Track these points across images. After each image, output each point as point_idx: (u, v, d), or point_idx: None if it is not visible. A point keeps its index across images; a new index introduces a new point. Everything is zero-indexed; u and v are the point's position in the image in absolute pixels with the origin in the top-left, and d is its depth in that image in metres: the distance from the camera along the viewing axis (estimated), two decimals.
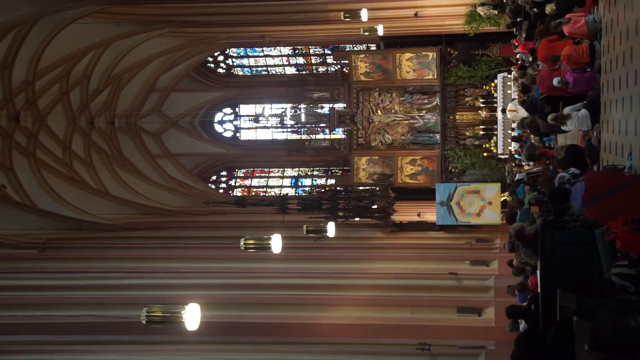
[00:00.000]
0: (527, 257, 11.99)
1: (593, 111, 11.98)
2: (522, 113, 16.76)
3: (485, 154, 28.70)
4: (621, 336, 6.55)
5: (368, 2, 24.68)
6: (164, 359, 17.57)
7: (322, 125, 32.23)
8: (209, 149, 34.31)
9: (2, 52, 23.39)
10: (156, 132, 32.88)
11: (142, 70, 30.58)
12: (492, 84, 28.41)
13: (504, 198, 23.78)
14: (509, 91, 26.29)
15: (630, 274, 7.66)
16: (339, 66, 33.29)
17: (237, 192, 34.28)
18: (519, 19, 20.93)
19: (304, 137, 33.19)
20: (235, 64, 34.86)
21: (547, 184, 11.56)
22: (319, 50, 34.00)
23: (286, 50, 33.95)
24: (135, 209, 28.73)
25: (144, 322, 9.83)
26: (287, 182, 34.56)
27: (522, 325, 11.78)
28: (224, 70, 34.83)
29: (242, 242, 13.54)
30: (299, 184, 34.41)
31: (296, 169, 34.64)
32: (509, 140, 25.82)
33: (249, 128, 35.00)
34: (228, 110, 35.07)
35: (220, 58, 34.56)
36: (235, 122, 35.13)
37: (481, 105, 29.09)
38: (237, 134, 35.09)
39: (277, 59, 34.45)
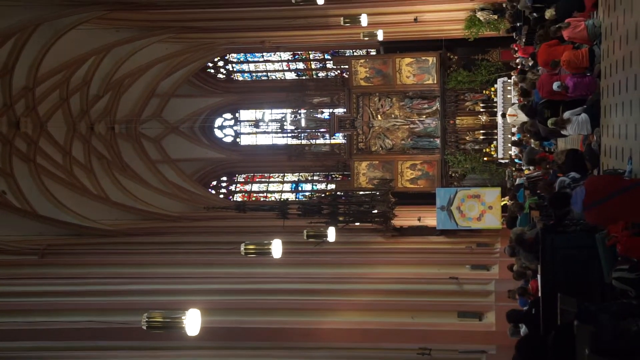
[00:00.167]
0: (528, 262, 12.00)
1: (593, 115, 11.99)
2: (522, 117, 16.78)
3: (485, 159, 28.71)
4: (622, 340, 6.56)
5: (368, 8, 24.71)
6: None
7: (322, 130, 32.24)
8: (209, 154, 34.30)
9: (2, 58, 23.43)
10: (156, 137, 32.88)
11: (142, 75, 30.60)
12: (492, 89, 28.43)
13: (504, 202, 23.79)
14: (509, 96, 26.32)
15: (631, 278, 7.67)
16: (338, 71, 33.31)
17: (238, 198, 34.27)
18: (518, 24, 20.98)
19: (304, 142, 33.18)
20: (235, 69, 34.88)
21: (548, 188, 11.55)
22: (319, 55, 34.02)
23: (286, 55, 33.98)
24: (135, 215, 28.73)
25: (144, 327, 9.82)
26: (287, 187, 34.55)
27: (523, 329, 11.78)
28: (224, 76, 34.85)
29: (242, 247, 13.54)
30: (299, 189, 34.40)
31: (296, 174, 34.63)
32: (509, 145, 25.83)
33: (249, 133, 35.00)
34: (228, 115, 35.07)
35: (220, 63, 34.58)
36: (235, 128, 35.13)
37: (481, 109, 29.11)
38: (237, 139, 35.09)
39: (277, 64, 34.47)
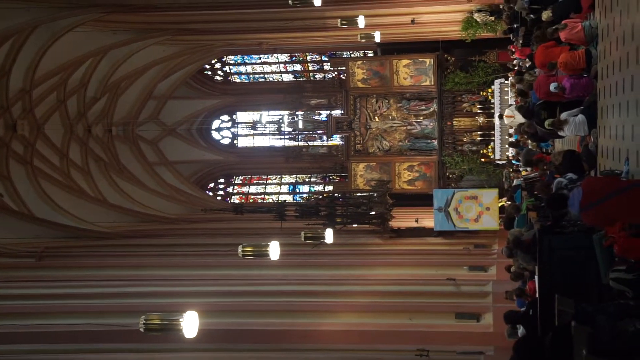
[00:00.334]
0: (525, 263, 11.98)
1: (590, 116, 12.01)
2: (520, 119, 16.78)
3: (482, 160, 28.74)
4: (619, 341, 6.55)
5: (365, 9, 24.72)
6: None
7: (319, 131, 32.25)
8: (207, 156, 34.30)
9: None
10: (153, 139, 32.88)
11: (140, 78, 30.60)
12: (489, 90, 28.46)
13: (501, 203, 23.80)
14: (506, 97, 26.35)
15: (628, 279, 7.67)
16: (336, 73, 33.35)
17: (235, 199, 34.27)
18: (515, 25, 21.00)
19: (301, 143, 33.18)
20: (232, 71, 34.89)
21: (545, 189, 11.56)
22: (316, 57, 34.05)
23: (283, 57, 34.00)
24: (132, 217, 28.70)
25: (142, 330, 9.80)
26: (284, 188, 34.56)
27: (521, 330, 11.78)
28: (221, 78, 34.86)
29: (240, 249, 13.53)
30: (297, 190, 34.41)
31: (294, 175, 34.64)
32: (507, 146, 25.86)
33: (246, 135, 35.02)
34: (225, 117, 35.08)
35: (218, 65, 34.59)
36: (232, 129, 35.14)
37: (478, 111, 29.14)
38: (235, 141, 35.10)
39: (274, 66, 34.49)
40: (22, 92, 25.21)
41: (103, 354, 17.79)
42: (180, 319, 9.72)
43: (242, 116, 35.07)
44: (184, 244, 25.59)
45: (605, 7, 11.70)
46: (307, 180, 34.58)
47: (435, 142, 29.63)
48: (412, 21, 26.99)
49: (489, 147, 28.68)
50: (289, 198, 33.75)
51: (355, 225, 25.85)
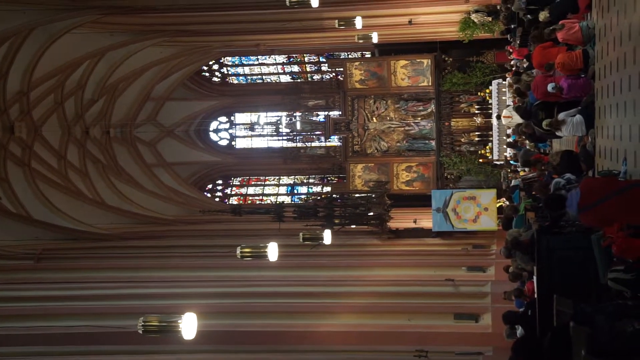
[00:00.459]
0: (524, 263, 12.00)
1: (587, 117, 12.03)
2: (517, 119, 16.79)
3: (480, 160, 28.74)
4: (618, 341, 6.56)
5: (362, 10, 24.73)
6: None
7: (317, 132, 32.23)
8: (205, 157, 34.29)
9: None
10: (151, 141, 32.86)
11: (137, 79, 30.57)
12: (487, 91, 28.46)
13: (499, 204, 23.80)
14: (503, 97, 26.36)
15: (627, 279, 7.68)
16: (333, 74, 33.34)
17: (233, 201, 34.24)
18: (512, 26, 21.02)
19: (299, 145, 33.18)
20: (230, 72, 34.88)
21: (543, 189, 11.58)
22: (314, 58, 34.05)
23: (281, 58, 33.99)
24: (131, 219, 28.69)
25: (140, 331, 9.79)
26: (283, 190, 34.55)
27: (519, 331, 11.79)
28: (219, 79, 34.85)
29: (238, 250, 13.51)
30: (295, 191, 34.41)
31: (292, 176, 34.64)
32: (504, 146, 25.87)
33: (244, 136, 35.00)
34: (223, 118, 35.08)
35: (215, 67, 34.58)
36: (230, 131, 35.13)
37: (476, 111, 29.14)
38: (233, 143, 35.09)
39: (272, 67, 34.48)
40: (20, 94, 25.18)
41: (101, 355, 17.77)
42: (179, 321, 9.71)
43: (240, 117, 35.06)
44: (182, 245, 25.57)
45: (602, 7, 11.72)
46: (305, 181, 34.58)
47: (433, 143, 29.64)
48: (410, 22, 26.99)
49: (487, 147, 28.68)
50: (287, 199, 33.74)
51: (353, 226, 25.86)
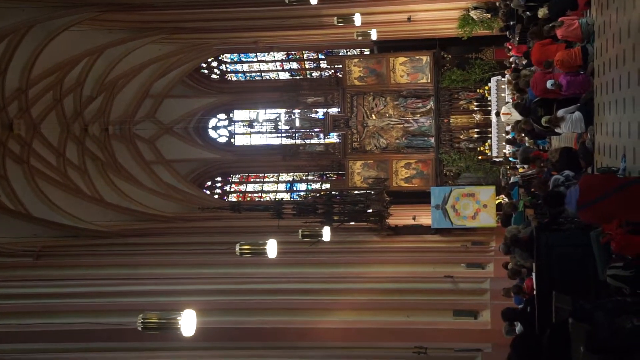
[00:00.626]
0: (523, 260, 12.01)
1: (587, 113, 12.03)
2: (516, 116, 16.81)
3: (479, 157, 28.74)
4: (617, 338, 6.57)
5: (361, 7, 24.70)
6: None
7: (316, 129, 32.20)
8: (204, 154, 34.27)
9: None
10: (150, 138, 32.84)
11: (136, 76, 30.55)
12: (486, 87, 28.45)
13: (498, 201, 23.82)
14: (502, 94, 26.32)
15: (625, 276, 7.69)
16: (332, 71, 33.31)
17: (232, 198, 34.25)
18: (512, 23, 21.02)
19: (298, 141, 33.16)
20: (229, 69, 34.85)
21: (542, 186, 11.57)
22: (313, 55, 34.02)
23: (280, 55, 33.96)
24: (130, 216, 28.69)
25: (139, 328, 9.80)
26: (282, 187, 34.54)
27: (518, 327, 11.81)
28: (218, 76, 34.83)
29: (237, 247, 13.53)
30: (294, 188, 34.40)
31: (291, 173, 34.62)
32: (504, 143, 25.87)
33: (243, 133, 34.98)
34: (222, 115, 35.05)
35: (214, 64, 34.54)
36: (229, 128, 35.10)
37: (475, 108, 29.13)
38: (232, 140, 35.07)
39: (270, 65, 34.45)
40: (18, 91, 25.17)
41: (101, 352, 17.80)
42: (178, 318, 9.72)
43: (239, 114, 35.04)
44: (182, 242, 25.58)
45: (601, 4, 11.72)
46: (304, 178, 34.57)
47: (432, 140, 29.62)
48: (409, 19, 26.98)
49: (486, 144, 28.68)
50: (286, 196, 33.72)
51: (352, 223, 25.85)
